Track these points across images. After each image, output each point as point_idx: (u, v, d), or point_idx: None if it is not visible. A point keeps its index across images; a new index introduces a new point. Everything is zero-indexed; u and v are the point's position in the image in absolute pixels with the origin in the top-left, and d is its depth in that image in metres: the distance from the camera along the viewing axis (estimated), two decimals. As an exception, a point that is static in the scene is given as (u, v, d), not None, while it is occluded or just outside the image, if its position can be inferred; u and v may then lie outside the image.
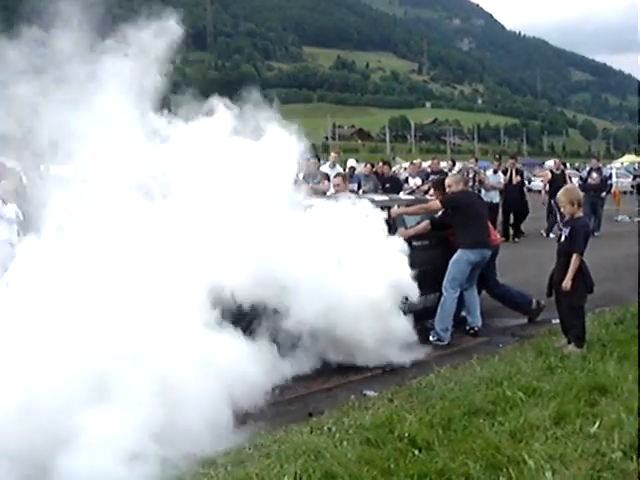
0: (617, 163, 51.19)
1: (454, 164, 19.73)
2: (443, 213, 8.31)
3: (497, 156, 19.01)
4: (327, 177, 11.67)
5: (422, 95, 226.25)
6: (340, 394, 6.05)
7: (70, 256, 5.29)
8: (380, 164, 16.00)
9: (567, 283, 6.65)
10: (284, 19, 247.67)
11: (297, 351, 6.44)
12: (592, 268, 6.93)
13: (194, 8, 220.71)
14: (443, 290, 7.88)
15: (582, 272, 6.74)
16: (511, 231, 17.29)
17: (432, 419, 4.95)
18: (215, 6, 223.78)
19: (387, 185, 14.19)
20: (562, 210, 7.18)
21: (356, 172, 15.04)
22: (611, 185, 20.38)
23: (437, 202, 8.31)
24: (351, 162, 16.33)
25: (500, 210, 16.80)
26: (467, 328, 8.19)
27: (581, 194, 7.30)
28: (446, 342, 7.76)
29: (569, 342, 6.84)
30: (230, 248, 5.88)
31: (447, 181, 8.52)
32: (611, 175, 24.62)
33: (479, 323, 8.19)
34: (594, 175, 18.25)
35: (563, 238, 6.86)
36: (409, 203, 8.87)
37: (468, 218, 8.06)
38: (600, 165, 20.09)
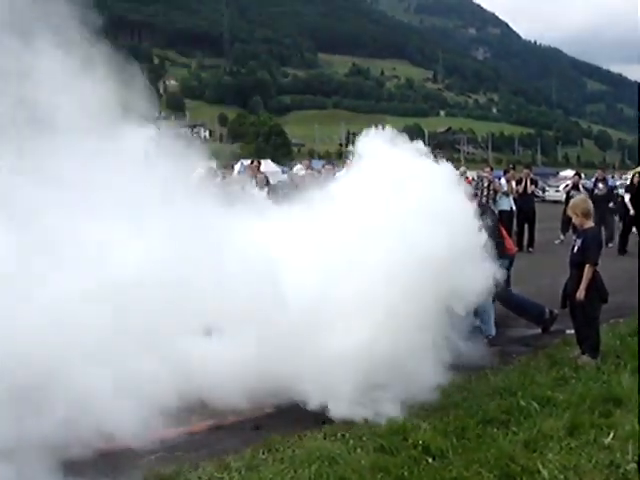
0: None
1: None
2: None
3: (511, 165, 18.92)
4: None
5: (436, 103, 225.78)
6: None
7: None
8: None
9: (581, 294, 6.64)
10: (300, 26, 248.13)
11: None
12: (606, 279, 6.91)
13: (211, 14, 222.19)
14: None
15: (596, 283, 6.72)
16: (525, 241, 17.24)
17: (446, 428, 4.97)
18: (232, 12, 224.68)
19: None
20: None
21: None
22: (617, 195, 20.20)
23: None
24: None
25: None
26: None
27: (588, 205, 7.15)
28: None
29: (583, 353, 6.83)
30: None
31: None
32: (616, 186, 24.33)
33: (493, 332, 8.18)
34: (600, 186, 18.27)
35: (576, 249, 6.84)
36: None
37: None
38: (605, 176, 20.03)
